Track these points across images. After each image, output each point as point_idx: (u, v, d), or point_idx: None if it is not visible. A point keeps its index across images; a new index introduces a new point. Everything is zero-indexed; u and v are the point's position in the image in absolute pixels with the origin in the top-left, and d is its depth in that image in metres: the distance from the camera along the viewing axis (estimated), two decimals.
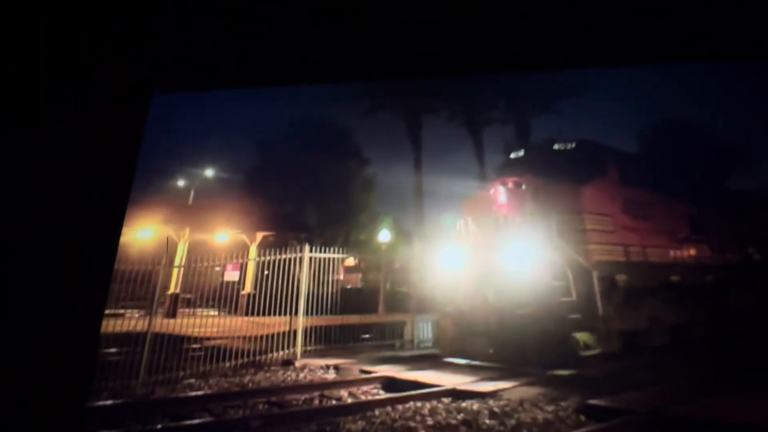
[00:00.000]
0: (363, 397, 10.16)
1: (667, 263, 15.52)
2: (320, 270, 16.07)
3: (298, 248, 15.82)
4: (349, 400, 9.84)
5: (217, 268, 18.71)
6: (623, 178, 15.18)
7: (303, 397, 10.13)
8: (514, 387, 10.17)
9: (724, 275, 17.50)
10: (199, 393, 10.23)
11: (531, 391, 9.79)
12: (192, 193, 37.08)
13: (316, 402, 9.91)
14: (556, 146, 15.74)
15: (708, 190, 20.30)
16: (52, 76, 1.61)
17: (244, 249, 23.63)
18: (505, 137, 34.41)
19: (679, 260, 16.07)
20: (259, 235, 27.75)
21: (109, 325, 12.85)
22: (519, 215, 13.87)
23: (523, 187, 14.34)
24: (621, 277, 13.60)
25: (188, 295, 23.69)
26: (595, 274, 12.68)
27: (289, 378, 12.23)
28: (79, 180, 1.59)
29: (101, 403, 9.12)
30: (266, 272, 15.28)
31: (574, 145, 15.41)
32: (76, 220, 1.59)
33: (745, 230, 19.60)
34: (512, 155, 16.77)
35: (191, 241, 26.08)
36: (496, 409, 8.68)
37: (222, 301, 18.60)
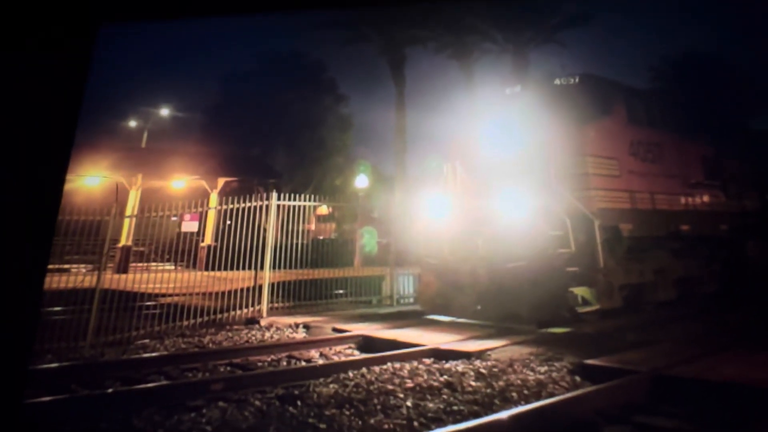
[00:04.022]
0: (335, 358, 10.36)
1: (677, 211, 15.60)
2: (289, 219, 16.24)
3: (264, 195, 15.89)
4: (320, 362, 9.98)
5: (174, 218, 18.73)
6: (631, 117, 15.13)
7: (269, 359, 10.30)
8: (503, 346, 10.37)
9: (741, 224, 17.67)
10: (154, 354, 10.44)
11: (522, 351, 9.98)
12: (145, 135, 36.90)
13: (284, 363, 10.07)
14: (557, 81, 15.50)
15: (727, 130, 20.29)
16: None
17: (204, 197, 23.61)
18: (500, 71, 34.23)
19: (691, 207, 16.16)
20: (221, 181, 27.85)
21: (53, 282, 12.91)
22: (513, 157, 13.90)
23: (519, 125, 14.35)
24: (625, 226, 13.69)
25: (141, 248, 23.81)
26: (596, 223, 12.70)
27: (253, 338, 12.44)
28: (15, 124, 1.57)
29: (45, 366, 9.26)
30: (228, 222, 15.36)
31: (577, 79, 15.12)
32: (13, 166, 1.57)
33: (765, 175, 19.72)
34: (507, 91, 16.42)
35: (144, 189, 26.15)
36: (483, 371, 8.83)
37: (179, 254, 18.69)
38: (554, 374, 8.60)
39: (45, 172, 1.67)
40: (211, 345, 11.70)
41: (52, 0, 1.70)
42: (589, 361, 8.78)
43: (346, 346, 11.38)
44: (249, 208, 15.49)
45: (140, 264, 21.88)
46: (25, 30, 1.69)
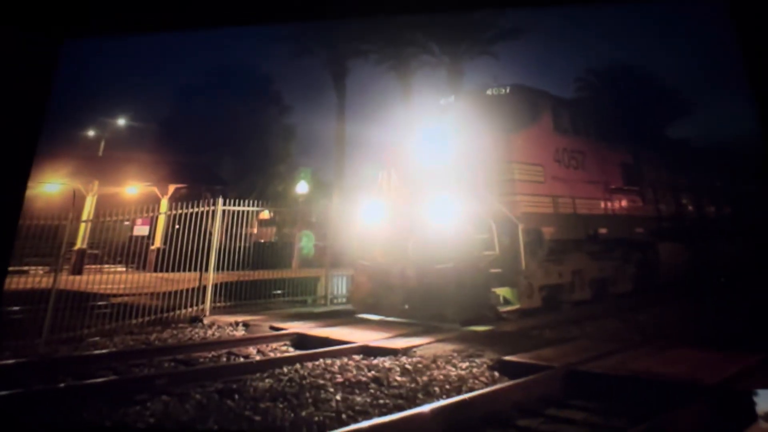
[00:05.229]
0: (271, 354, 10.49)
1: (597, 215, 15.83)
2: (233, 223, 16.39)
3: (211, 201, 16.05)
4: (257, 358, 10.14)
5: (127, 223, 18.79)
6: (557, 126, 15.37)
7: (210, 355, 10.42)
8: (428, 343, 10.51)
9: (655, 227, 18.01)
10: (104, 351, 10.52)
11: (446, 348, 10.12)
12: (102, 144, 36.62)
13: (223, 359, 10.19)
14: (489, 91, 15.69)
15: (646, 139, 20.58)
16: None
17: (155, 202, 23.69)
18: (436, 82, 34.31)
19: (609, 212, 16.40)
20: (172, 188, 27.77)
21: (12, 283, 13.00)
22: (444, 164, 14.05)
23: (451, 134, 14.52)
24: (547, 230, 13.91)
25: (95, 251, 23.71)
26: (520, 227, 12.89)
27: (196, 335, 12.56)
28: None
29: (2, 362, 9.35)
30: (177, 226, 15.42)
31: (507, 90, 15.36)
32: None
33: (680, 181, 20.12)
34: (442, 101, 16.66)
35: (100, 195, 26.04)
36: (408, 366, 8.98)
37: (130, 256, 18.70)
38: (475, 370, 8.75)
39: (8, 178, 1.78)
40: (156, 342, 11.78)
41: (19, 11, 1.80)
42: (508, 358, 8.92)
43: (282, 343, 11.50)
44: (196, 213, 15.58)
45: (94, 266, 21.82)
46: None
